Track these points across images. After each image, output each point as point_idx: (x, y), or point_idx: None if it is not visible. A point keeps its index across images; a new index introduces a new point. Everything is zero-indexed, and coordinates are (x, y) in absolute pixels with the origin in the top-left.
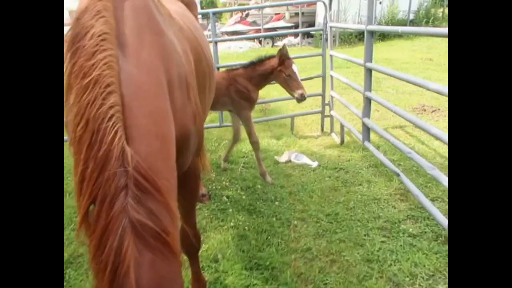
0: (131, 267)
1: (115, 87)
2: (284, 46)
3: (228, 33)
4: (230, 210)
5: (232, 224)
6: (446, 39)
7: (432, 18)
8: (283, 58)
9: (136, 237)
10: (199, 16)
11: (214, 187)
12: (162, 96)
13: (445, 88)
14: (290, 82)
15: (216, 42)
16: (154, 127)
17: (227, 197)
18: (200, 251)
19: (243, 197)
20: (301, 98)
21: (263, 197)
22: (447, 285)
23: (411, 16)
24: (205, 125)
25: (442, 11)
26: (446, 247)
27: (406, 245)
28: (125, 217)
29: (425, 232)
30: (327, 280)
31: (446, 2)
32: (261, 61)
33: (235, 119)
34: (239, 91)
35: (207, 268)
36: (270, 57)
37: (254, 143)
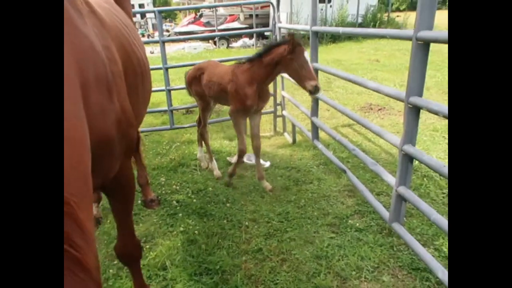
0: None
1: None
2: (293, 33)
3: (181, 34)
4: (180, 214)
5: (181, 229)
6: (391, 42)
7: (378, 22)
8: (295, 44)
9: None
10: (151, 15)
11: (163, 192)
12: (71, 99)
13: (380, 86)
14: (301, 73)
15: (163, 42)
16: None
17: (177, 201)
18: (147, 259)
19: (194, 200)
20: (315, 90)
21: (215, 199)
22: (390, 276)
23: (360, 20)
24: (156, 128)
25: (388, 16)
26: (390, 239)
27: (353, 239)
28: None
29: (371, 226)
30: (277, 279)
31: (390, 8)
32: (267, 50)
33: (252, 121)
34: (235, 91)
35: (155, 277)
36: (278, 45)
37: (239, 150)
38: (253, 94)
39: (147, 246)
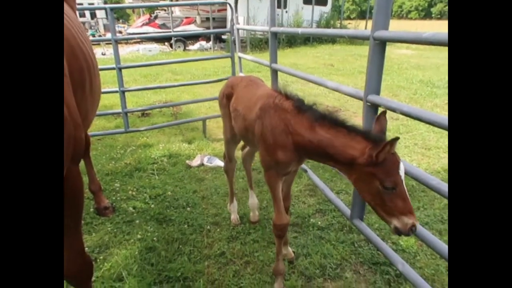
0: None
1: None
2: (383, 118)
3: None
4: (137, 221)
5: (139, 236)
6: (345, 47)
7: (331, 28)
8: (382, 153)
9: None
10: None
11: (119, 198)
12: None
13: (338, 85)
14: (389, 200)
15: (116, 41)
16: None
17: (134, 207)
18: (102, 271)
19: (152, 206)
20: (407, 232)
21: (174, 204)
22: (353, 272)
23: (314, 26)
24: (109, 131)
25: (340, 23)
26: (351, 235)
27: (315, 238)
28: None
29: (332, 224)
30: (242, 283)
31: (342, 16)
32: (335, 123)
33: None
34: (262, 135)
35: None
36: (355, 132)
37: (274, 226)
38: (287, 148)
39: (101, 257)
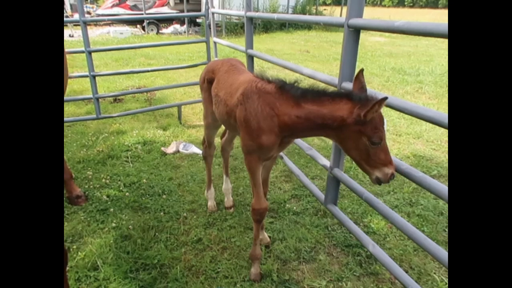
0: None
1: None
2: (361, 75)
3: (105, 17)
4: (111, 209)
5: (113, 224)
6: (320, 34)
7: (307, 14)
8: (370, 112)
9: None
10: None
11: (91, 186)
12: None
13: (314, 72)
14: (373, 153)
15: (85, 23)
16: None
17: (108, 195)
18: (75, 260)
19: (127, 193)
20: (387, 180)
21: (149, 191)
22: (326, 254)
23: (290, 11)
24: (80, 117)
25: (316, 9)
26: (325, 220)
27: (291, 223)
28: None
29: (307, 209)
30: (218, 268)
31: (318, 1)
32: (321, 96)
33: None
34: (245, 120)
35: (85, 279)
36: (339, 96)
37: (253, 211)
38: (271, 132)
39: (74, 246)
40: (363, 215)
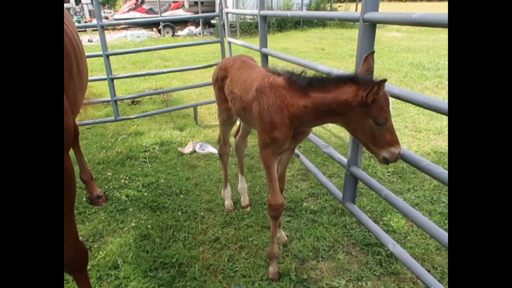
0: None
1: None
2: (371, 57)
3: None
4: (131, 209)
5: (133, 224)
6: (335, 31)
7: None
8: (375, 93)
9: None
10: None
11: (111, 187)
12: None
13: (330, 69)
14: (379, 134)
15: (102, 27)
16: None
17: (127, 196)
18: (97, 259)
19: (145, 193)
20: (394, 160)
21: (167, 191)
22: (345, 253)
23: (304, 9)
24: (99, 120)
25: (330, 6)
26: (343, 218)
27: (308, 221)
28: None
29: (325, 207)
30: (236, 267)
31: None
32: (326, 83)
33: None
34: (260, 115)
35: (106, 277)
36: (343, 81)
37: (269, 206)
38: (283, 125)
39: (95, 246)
40: (383, 214)
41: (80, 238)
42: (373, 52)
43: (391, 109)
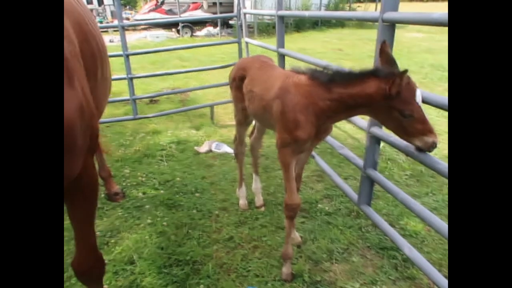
0: None
1: None
2: (385, 46)
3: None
4: (147, 206)
5: (149, 221)
6: (354, 31)
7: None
8: (398, 87)
9: None
10: (110, 1)
11: (128, 184)
12: None
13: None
14: (409, 125)
15: (123, 28)
16: None
17: (144, 193)
18: (113, 254)
19: (161, 191)
20: (428, 149)
21: (183, 190)
22: (360, 256)
23: (323, 9)
24: (118, 118)
25: (349, 6)
26: (358, 221)
27: (323, 223)
28: None
29: (340, 209)
30: (250, 267)
31: None
32: (349, 78)
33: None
34: (282, 114)
35: (122, 272)
36: (364, 74)
37: (286, 206)
38: (307, 123)
39: (112, 241)
40: (399, 217)
41: (98, 233)
42: (385, 41)
43: (419, 98)
